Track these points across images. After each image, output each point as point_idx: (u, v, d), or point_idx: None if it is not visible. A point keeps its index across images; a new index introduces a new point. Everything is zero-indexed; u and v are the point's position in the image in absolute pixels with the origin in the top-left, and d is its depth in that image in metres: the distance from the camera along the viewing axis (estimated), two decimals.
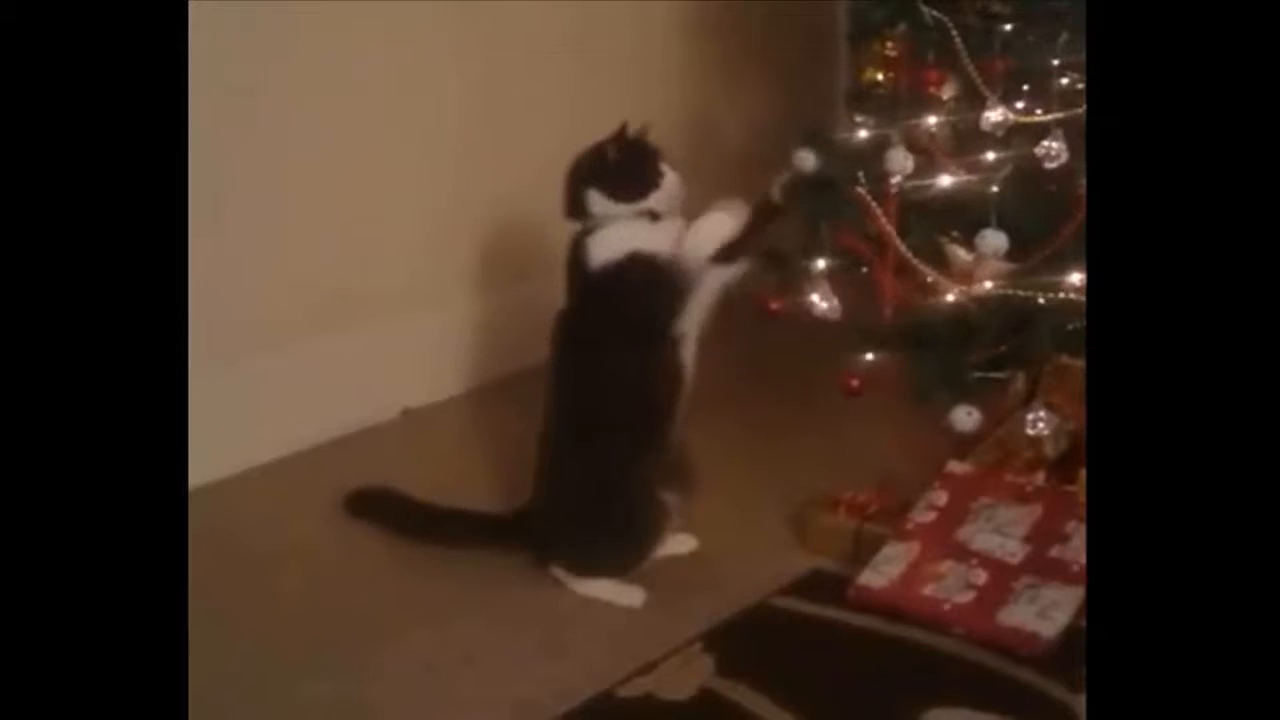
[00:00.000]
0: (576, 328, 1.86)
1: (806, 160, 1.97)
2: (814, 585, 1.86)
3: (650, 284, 1.79)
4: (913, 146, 1.90)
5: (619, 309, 1.81)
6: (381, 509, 2.03)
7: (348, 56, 2.30)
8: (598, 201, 1.80)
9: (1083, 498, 1.84)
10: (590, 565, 1.88)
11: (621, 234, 1.80)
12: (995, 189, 1.85)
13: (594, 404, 1.85)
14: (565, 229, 1.85)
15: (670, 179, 1.82)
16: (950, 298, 1.90)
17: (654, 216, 1.81)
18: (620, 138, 1.82)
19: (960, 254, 1.94)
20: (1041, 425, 1.85)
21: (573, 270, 1.85)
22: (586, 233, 1.83)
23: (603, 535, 1.86)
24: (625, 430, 1.83)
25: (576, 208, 1.83)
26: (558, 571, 1.89)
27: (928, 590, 1.79)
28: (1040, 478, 1.93)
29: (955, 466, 1.97)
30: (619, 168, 1.80)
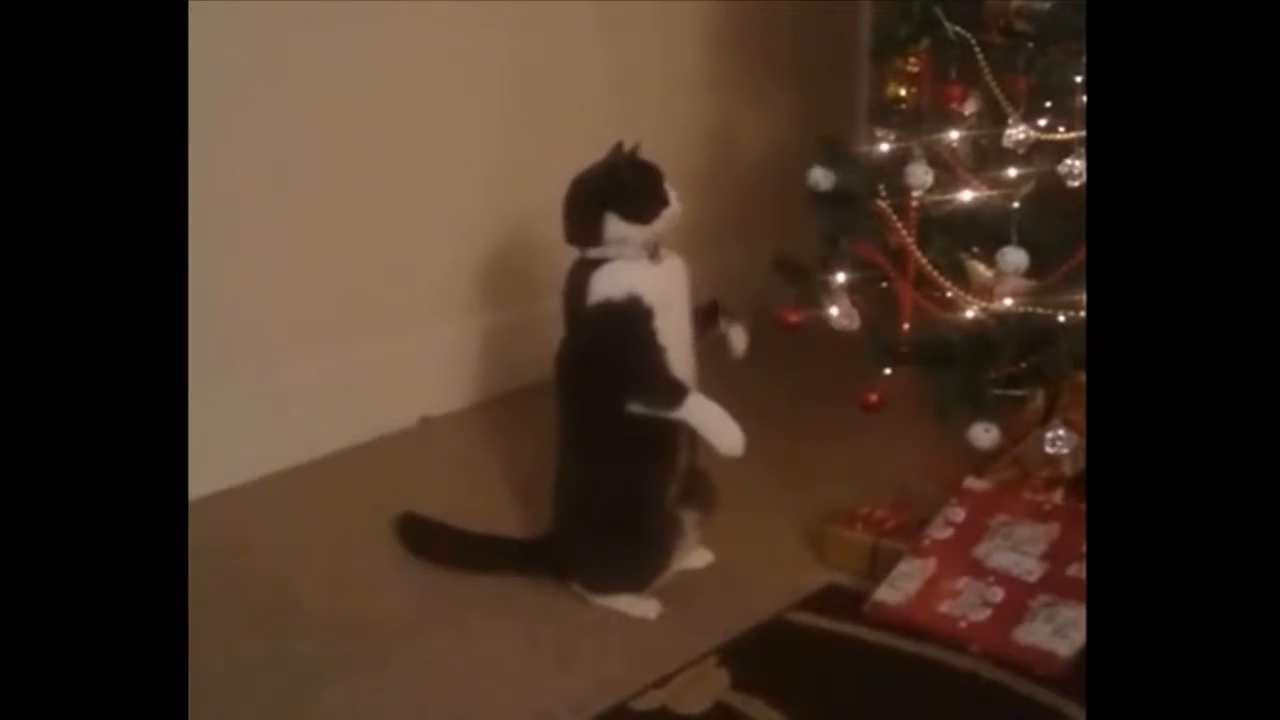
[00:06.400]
0: (574, 360, 1.83)
1: (822, 178, 1.98)
2: (830, 600, 1.86)
3: (634, 338, 1.75)
4: (934, 162, 1.90)
5: (606, 350, 1.78)
6: (429, 540, 1.99)
7: (369, 68, 2.30)
8: (615, 225, 1.75)
9: None
10: (605, 583, 1.87)
11: (628, 271, 1.75)
12: (1016, 206, 1.85)
13: (597, 431, 1.83)
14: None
15: (674, 200, 1.78)
16: (970, 314, 1.90)
17: (653, 251, 1.78)
18: (629, 157, 1.78)
19: (980, 270, 1.93)
20: (1060, 444, 1.85)
21: (571, 302, 1.80)
22: (591, 265, 1.77)
23: (614, 557, 1.85)
24: (631, 454, 1.81)
25: (589, 233, 1.77)
26: (576, 588, 1.89)
27: (944, 607, 1.79)
28: (1058, 496, 1.92)
29: (973, 483, 1.96)
30: (635, 189, 1.75)
